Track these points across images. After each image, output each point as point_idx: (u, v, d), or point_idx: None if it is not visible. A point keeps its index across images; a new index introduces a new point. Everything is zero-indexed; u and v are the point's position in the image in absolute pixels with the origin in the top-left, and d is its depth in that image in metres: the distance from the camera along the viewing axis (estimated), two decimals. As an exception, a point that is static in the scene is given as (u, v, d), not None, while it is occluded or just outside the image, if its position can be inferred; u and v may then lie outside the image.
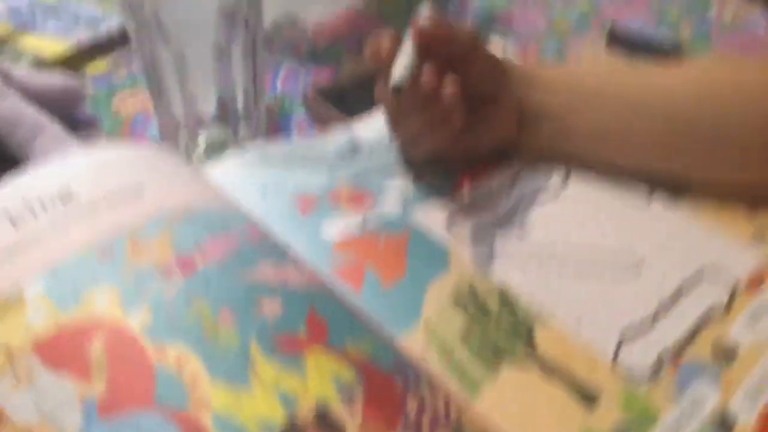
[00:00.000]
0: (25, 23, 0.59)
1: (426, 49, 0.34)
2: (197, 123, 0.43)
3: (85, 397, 0.22)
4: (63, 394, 0.22)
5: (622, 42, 0.58)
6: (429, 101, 0.34)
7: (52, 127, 0.41)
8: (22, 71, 0.47)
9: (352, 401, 0.22)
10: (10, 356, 0.23)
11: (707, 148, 0.37)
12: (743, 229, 0.36)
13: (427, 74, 0.33)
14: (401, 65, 0.33)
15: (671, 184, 0.38)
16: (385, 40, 0.35)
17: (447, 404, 0.23)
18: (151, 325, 0.24)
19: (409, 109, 0.36)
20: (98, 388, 0.22)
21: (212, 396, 0.22)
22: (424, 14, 0.38)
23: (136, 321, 0.24)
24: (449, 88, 0.33)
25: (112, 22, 0.58)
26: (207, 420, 0.21)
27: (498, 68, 0.38)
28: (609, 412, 0.26)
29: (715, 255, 0.34)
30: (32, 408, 0.22)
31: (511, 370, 0.28)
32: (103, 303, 0.24)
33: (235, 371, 0.22)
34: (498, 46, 0.57)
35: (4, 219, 0.28)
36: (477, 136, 0.38)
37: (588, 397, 0.27)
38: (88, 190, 0.29)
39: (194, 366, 0.22)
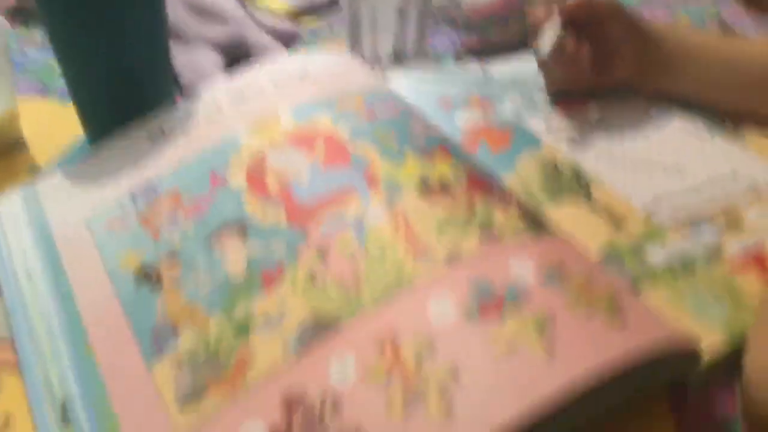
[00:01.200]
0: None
1: (571, 20, 0.48)
2: (377, 61, 0.61)
3: (311, 161, 0.39)
4: (301, 158, 0.39)
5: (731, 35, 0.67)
6: (569, 58, 0.49)
7: (274, 49, 0.61)
8: (261, 14, 0.68)
9: (460, 180, 0.37)
10: (273, 142, 0.41)
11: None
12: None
13: (570, 45, 0.48)
14: (549, 37, 0.47)
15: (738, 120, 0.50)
16: (540, 10, 0.50)
17: (519, 200, 0.38)
18: (349, 135, 0.40)
19: (554, 62, 0.50)
20: (319, 156, 0.39)
21: (381, 167, 0.38)
22: None
23: (342, 132, 0.41)
24: (584, 50, 0.48)
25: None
26: (378, 173, 0.37)
27: (630, 27, 0.51)
28: (631, 233, 0.39)
29: (743, 168, 0.45)
30: (282, 162, 0.39)
31: (568, 202, 0.41)
32: (324, 123, 0.42)
33: (395, 156, 0.38)
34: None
35: (270, 82, 0.46)
36: (603, 78, 0.52)
37: (618, 223, 0.40)
38: (318, 72, 0.47)
39: (373, 155, 0.39)
